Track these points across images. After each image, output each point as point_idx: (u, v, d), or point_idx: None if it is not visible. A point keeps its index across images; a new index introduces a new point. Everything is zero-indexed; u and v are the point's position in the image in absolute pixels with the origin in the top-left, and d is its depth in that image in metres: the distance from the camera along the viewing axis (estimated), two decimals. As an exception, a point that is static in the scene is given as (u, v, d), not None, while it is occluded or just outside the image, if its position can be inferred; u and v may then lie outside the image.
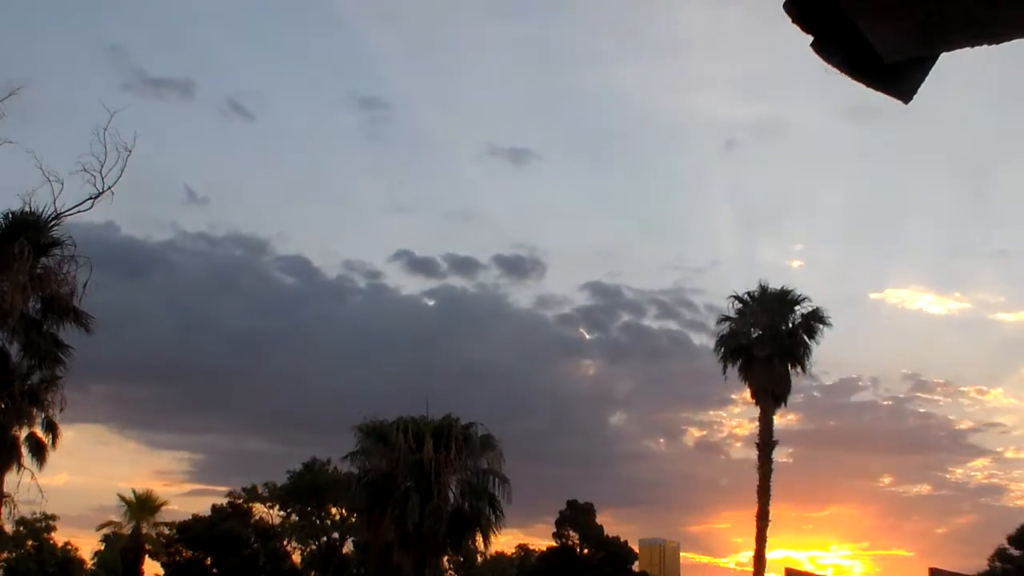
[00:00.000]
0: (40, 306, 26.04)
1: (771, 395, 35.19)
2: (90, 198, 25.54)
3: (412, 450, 31.08)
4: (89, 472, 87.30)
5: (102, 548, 59.86)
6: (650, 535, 75.50)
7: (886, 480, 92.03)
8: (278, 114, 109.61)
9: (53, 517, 59.37)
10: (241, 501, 58.21)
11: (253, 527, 56.59)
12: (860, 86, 2.48)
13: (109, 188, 25.42)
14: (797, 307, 36.09)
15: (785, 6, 2.38)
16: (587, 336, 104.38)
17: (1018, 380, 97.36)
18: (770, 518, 34.87)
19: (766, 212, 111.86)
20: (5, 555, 49.83)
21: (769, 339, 35.10)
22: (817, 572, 49.48)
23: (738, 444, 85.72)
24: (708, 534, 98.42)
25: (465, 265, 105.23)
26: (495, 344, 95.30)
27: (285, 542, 58.03)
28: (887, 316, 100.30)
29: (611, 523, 71.81)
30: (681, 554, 78.30)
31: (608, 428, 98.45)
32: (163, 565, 54.15)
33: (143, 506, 45.59)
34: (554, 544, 62.86)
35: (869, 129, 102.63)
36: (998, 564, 48.53)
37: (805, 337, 35.54)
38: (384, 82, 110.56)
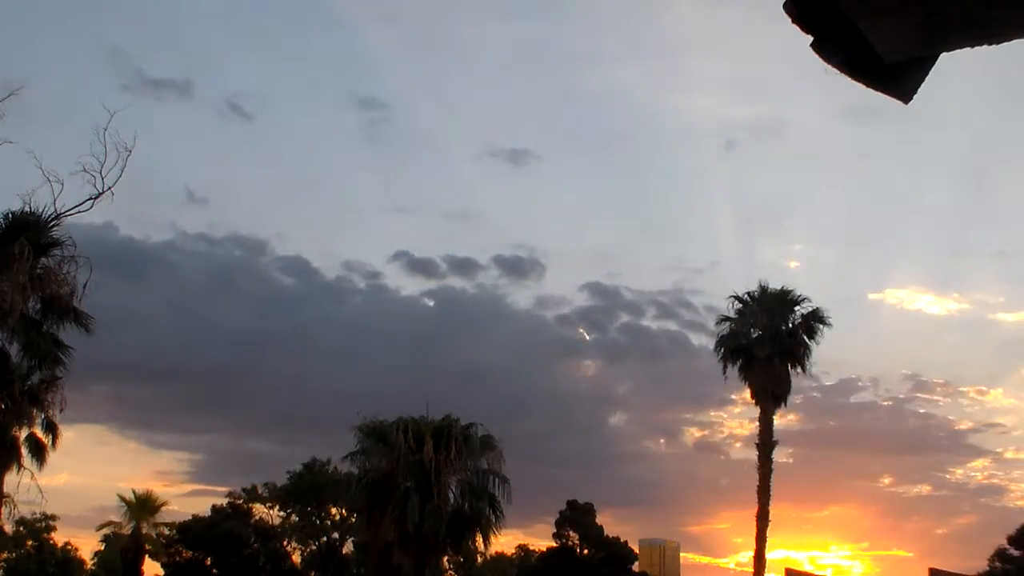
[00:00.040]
0: (40, 306, 26.04)
1: (771, 395, 35.19)
2: (90, 198, 25.56)
3: (412, 450, 31.07)
4: (89, 472, 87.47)
5: (102, 548, 59.91)
6: (650, 535, 75.48)
7: (886, 480, 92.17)
8: (277, 114, 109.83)
9: (53, 517, 59.48)
10: (241, 501, 58.22)
11: (253, 527, 56.60)
12: (860, 86, 2.48)
13: (109, 188, 25.43)
14: (797, 307, 36.11)
15: (785, 6, 2.38)
16: (587, 337, 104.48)
17: (1018, 380, 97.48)
18: (770, 518, 34.92)
19: (766, 212, 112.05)
20: (5, 555, 49.84)
21: (769, 339, 35.10)
22: (817, 572, 49.58)
23: (738, 444, 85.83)
24: (708, 534, 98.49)
25: (464, 266, 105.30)
26: (495, 344, 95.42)
27: (285, 542, 58.05)
28: (887, 316, 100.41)
29: (611, 523, 71.95)
30: (681, 554, 78.22)
31: (608, 428, 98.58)
32: (163, 565, 54.16)
33: (143, 506, 45.58)
34: (554, 544, 62.91)
35: (869, 129, 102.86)
36: (998, 564, 48.53)
37: (805, 337, 35.55)
38: (383, 82, 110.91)
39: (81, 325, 26.22)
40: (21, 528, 56.62)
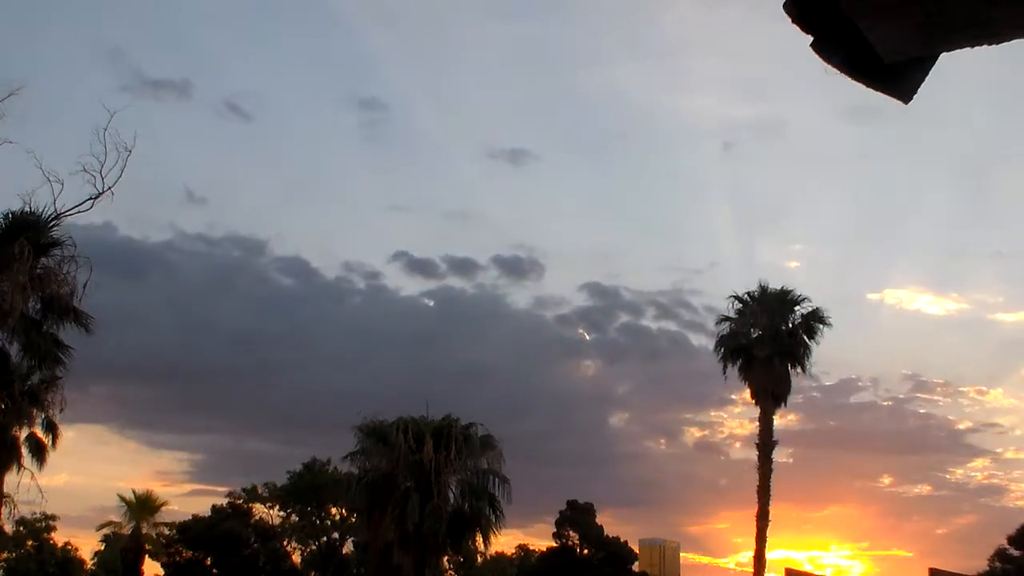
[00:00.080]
0: (40, 306, 26.04)
1: (771, 395, 35.18)
2: (90, 198, 25.58)
3: (412, 450, 31.07)
4: (89, 472, 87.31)
5: (102, 548, 59.92)
6: (650, 535, 75.45)
7: (886, 480, 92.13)
8: (276, 114, 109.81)
9: (53, 517, 59.51)
10: (241, 501, 58.23)
11: (253, 527, 56.60)
12: (860, 86, 2.49)
13: (109, 188, 25.45)
14: (797, 307, 36.11)
15: (785, 6, 2.38)
16: (586, 337, 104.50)
17: (1018, 380, 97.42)
18: (770, 518, 34.91)
19: (765, 212, 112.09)
20: (5, 555, 49.83)
21: (769, 339, 35.09)
22: (817, 572, 49.52)
23: (738, 444, 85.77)
24: (708, 534, 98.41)
25: (464, 266, 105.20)
26: (494, 345, 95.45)
27: (285, 542, 58.05)
28: (886, 316, 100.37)
29: (611, 523, 71.89)
30: (681, 554, 78.19)
31: (608, 428, 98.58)
32: (163, 565, 54.17)
33: (143, 506, 45.59)
34: (554, 544, 62.91)
35: (869, 129, 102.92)
36: (998, 564, 48.53)
37: (805, 337, 35.54)
38: (383, 82, 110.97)
39: (81, 325, 26.22)
40: (21, 528, 56.65)
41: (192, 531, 54.33)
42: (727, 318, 36.39)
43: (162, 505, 46.73)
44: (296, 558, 58.00)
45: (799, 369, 35.55)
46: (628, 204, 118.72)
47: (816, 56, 2.44)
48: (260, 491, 58.49)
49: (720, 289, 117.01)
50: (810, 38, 2.42)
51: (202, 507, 65.74)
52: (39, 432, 26.57)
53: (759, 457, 35.09)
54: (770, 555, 35.42)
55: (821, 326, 35.61)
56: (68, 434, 31.24)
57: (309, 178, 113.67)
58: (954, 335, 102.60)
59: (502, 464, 32.33)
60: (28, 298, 25.34)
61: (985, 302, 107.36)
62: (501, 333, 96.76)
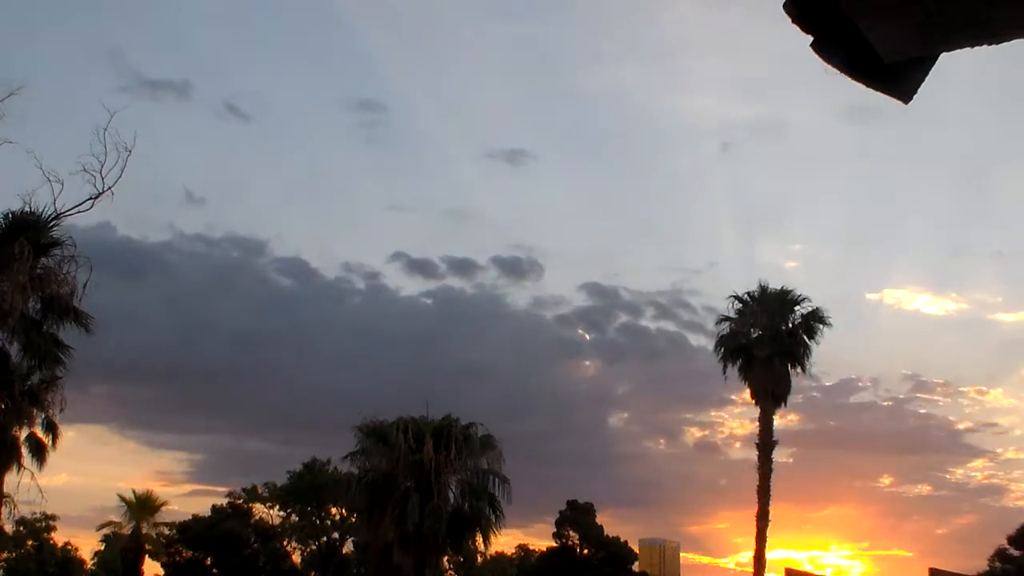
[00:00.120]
0: (40, 306, 26.03)
1: (771, 395, 35.17)
2: (90, 198, 25.56)
3: (412, 450, 31.07)
4: (89, 472, 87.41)
5: (102, 548, 59.92)
6: (650, 535, 75.53)
7: (886, 480, 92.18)
8: (276, 115, 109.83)
9: (53, 517, 59.54)
10: (241, 501, 58.22)
11: (253, 527, 56.60)
12: (860, 86, 2.49)
13: (109, 188, 25.41)
14: (797, 307, 36.09)
15: (785, 6, 2.38)
16: (586, 337, 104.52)
17: (1017, 380, 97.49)
18: (770, 518, 34.89)
19: (764, 212, 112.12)
20: (5, 555, 49.83)
21: (769, 339, 35.08)
22: (817, 572, 49.52)
23: (738, 444, 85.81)
24: (708, 534, 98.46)
25: (463, 266, 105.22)
26: (494, 345, 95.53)
27: (285, 542, 58.05)
28: (886, 316, 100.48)
29: (611, 523, 71.89)
30: (681, 554, 78.31)
31: (608, 428, 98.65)
32: (163, 565, 54.16)
33: (143, 506, 45.58)
34: (554, 544, 62.91)
35: (869, 129, 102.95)
36: (998, 564, 48.52)
37: (805, 337, 35.53)
38: (382, 83, 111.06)
39: (81, 325, 26.21)
40: (21, 528, 56.64)
41: (192, 531, 54.33)
42: (727, 318, 36.39)
43: (162, 505, 46.79)
44: (296, 558, 58.03)
45: (799, 369, 35.59)
46: (627, 204, 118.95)
47: (816, 56, 2.44)
48: (260, 491, 58.50)
49: (719, 289, 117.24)
50: (810, 38, 2.42)
51: (202, 507, 65.87)
52: (39, 432, 26.57)
53: (759, 457, 35.08)
54: (770, 555, 35.46)
55: (821, 326, 35.64)
56: (68, 434, 31.28)
57: (308, 178, 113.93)
58: (954, 335, 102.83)
59: (502, 464, 32.35)
60: (28, 298, 25.33)
61: (985, 302, 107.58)
62: (501, 333, 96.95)
